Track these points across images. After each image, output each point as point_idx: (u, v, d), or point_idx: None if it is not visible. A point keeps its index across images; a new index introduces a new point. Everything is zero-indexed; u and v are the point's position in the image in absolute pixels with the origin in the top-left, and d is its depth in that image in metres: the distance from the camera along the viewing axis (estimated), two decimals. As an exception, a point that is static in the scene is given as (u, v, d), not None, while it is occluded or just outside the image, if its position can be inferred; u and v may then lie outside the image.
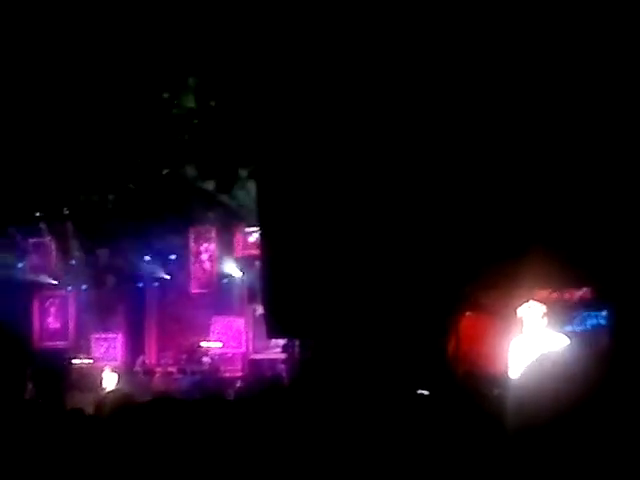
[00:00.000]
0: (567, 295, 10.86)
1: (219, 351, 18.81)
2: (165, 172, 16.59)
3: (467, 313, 10.40)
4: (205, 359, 18.74)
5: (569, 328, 10.66)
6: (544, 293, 10.12)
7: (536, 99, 9.46)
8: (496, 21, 9.46)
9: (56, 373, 17.54)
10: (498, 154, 9.71)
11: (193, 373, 18.22)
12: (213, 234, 18.23)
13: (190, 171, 16.55)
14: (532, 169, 9.64)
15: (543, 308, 9.27)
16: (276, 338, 15.56)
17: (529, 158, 9.66)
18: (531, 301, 9.32)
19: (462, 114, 9.62)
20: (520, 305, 9.28)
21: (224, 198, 17.08)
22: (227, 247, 18.41)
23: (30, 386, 16.28)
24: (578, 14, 9.23)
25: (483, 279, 9.93)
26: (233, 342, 18.80)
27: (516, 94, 9.50)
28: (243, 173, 14.87)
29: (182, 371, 18.45)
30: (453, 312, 10.16)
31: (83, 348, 19.60)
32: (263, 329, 13.72)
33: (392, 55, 9.59)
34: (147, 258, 19.71)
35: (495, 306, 10.06)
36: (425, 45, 9.50)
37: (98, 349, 19.63)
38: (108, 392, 13.12)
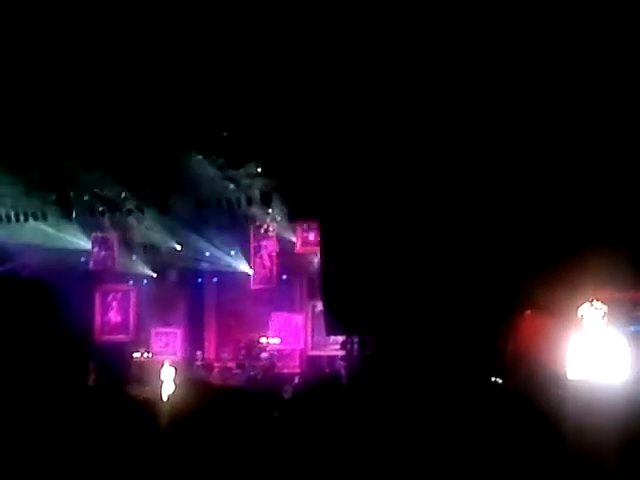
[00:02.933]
0: (629, 295, 10.72)
1: (277, 347, 18.83)
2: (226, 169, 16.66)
3: (528, 312, 10.31)
4: (263, 355, 18.78)
5: (630, 329, 10.52)
6: (606, 293, 10.00)
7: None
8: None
9: (117, 366, 17.73)
10: (560, 154, 9.63)
11: (251, 368, 18.27)
12: (273, 230, 18.25)
13: (251, 168, 16.61)
14: (598, 169, 9.54)
15: (604, 308, 9.17)
16: (335, 335, 15.56)
17: (593, 157, 9.56)
18: (592, 301, 9.22)
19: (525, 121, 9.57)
20: (581, 304, 9.19)
21: (285, 194, 17.10)
22: (287, 243, 18.42)
23: (92, 378, 16.48)
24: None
25: (544, 278, 9.84)
26: (291, 338, 18.81)
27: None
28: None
29: (240, 366, 18.52)
30: (513, 311, 10.08)
31: (143, 342, 19.76)
32: (322, 326, 13.74)
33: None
34: (207, 254, 19.80)
35: (556, 305, 9.96)
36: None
37: (158, 343, 19.79)
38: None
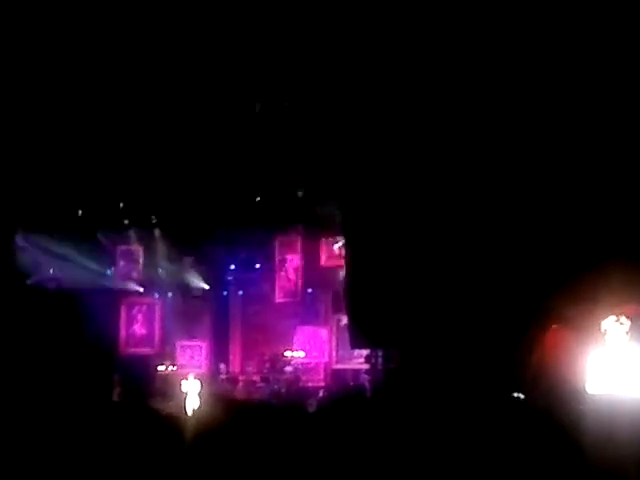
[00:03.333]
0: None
1: (302, 361, 18.81)
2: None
3: (553, 326, 10.27)
4: (288, 368, 18.75)
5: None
6: (630, 308, 9.96)
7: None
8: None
9: (142, 379, 17.76)
10: (583, 166, 9.60)
11: (276, 382, 18.25)
12: (298, 244, 18.26)
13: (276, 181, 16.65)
14: (621, 182, 9.50)
15: (628, 323, 9.12)
16: (359, 348, 15.52)
17: (614, 171, 9.53)
18: (616, 315, 9.18)
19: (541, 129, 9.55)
20: (605, 319, 9.14)
21: (310, 207, 17.13)
22: (312, 257, 18.42)
23: (117, 391, 16.53)
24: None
25: (567, 292, 9.80)
26: (316, 352, 18.79)
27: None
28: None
29: (265, 380, 18.50)
30: (538, 324, 10.03)
31: (168, 355, 19.79)
32: (346, 339, 13.71)
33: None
34: (232, 267, 19.84)
35: (580, 319, 9.92)
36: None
37: (183, 356, 19.81)
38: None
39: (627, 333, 9.02)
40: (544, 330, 10.11)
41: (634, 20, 8.99)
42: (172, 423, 3.16)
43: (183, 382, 17.51)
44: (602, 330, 9.06)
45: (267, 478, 2.95)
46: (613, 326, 9.04)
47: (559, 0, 9.37)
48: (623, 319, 9.10)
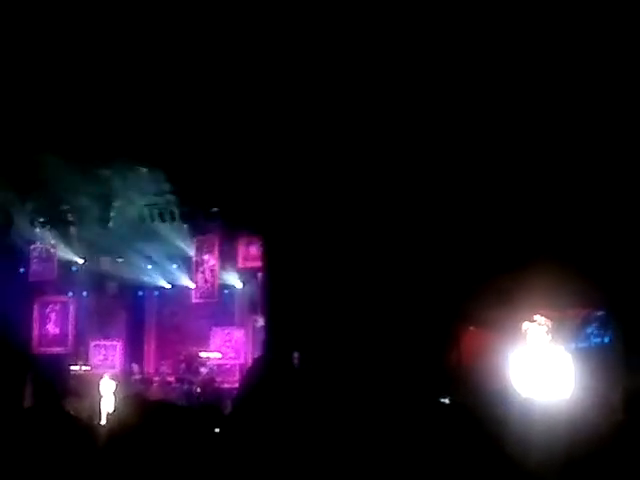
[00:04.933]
0: (572, 312, 10.84)
1: (218, 362, 18.76)
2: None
3: (470, 328, 10.38)
4: (203, 369, 18.69)
5: (572, 345, 10.63)
6: (550, 310, 10.11)
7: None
8: (496, 21, 9.49)
9: (55, 379, 17.52)
10: (504, 166, 9.70)
11: (191, 383, 18.17)
12: (216, 244, 18.21)
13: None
14: (540, 183, 9.64)
15: (549, 324, 9.26)
16: (276, 350, 15.52)
17: (537, 170, 9.66)
18: (536, 316, 9.31)
19: (462, 116, 9.62)
20: (524, 320, 9.27)
21: (226, 209, 17.07)
22: (229, 258, 18.39)
23: (29, 390, 16.28)
24: (578, 14, 9.26)
25: (485, 294, 9.91)
26: (232, 353, 18.75)
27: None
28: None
29: (180, 380, 18.41)
30: (456, 326, 10.14)
31: (82, 355, 19.56)
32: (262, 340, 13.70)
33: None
34: (149, 267, 19.70)
35: (499, 321, 10.05)
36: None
37: (97, 356, 19.60)
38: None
39: (547, 334, 9.15)
40: (463, 332, 10.22)
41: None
42: (85, 425, 3.12)
43: (100, 382, 17.34)
44: (523, 331, 9.18)
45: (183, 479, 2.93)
46: (533, 327, 9.16)
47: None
48: (543, 320, 9.23)
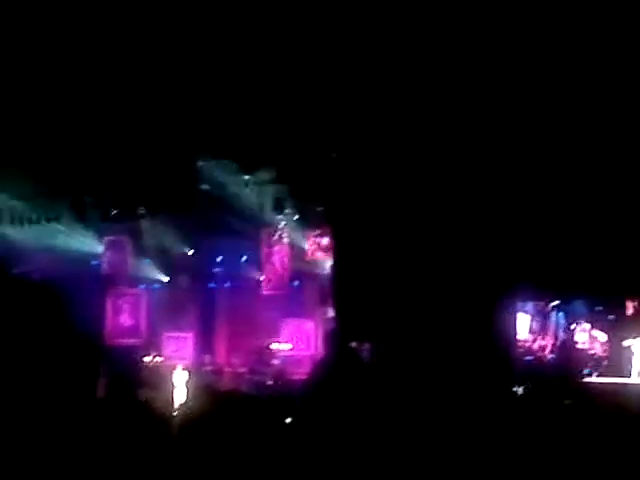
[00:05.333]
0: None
1: (288, 353, 18.83)
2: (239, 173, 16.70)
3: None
4: (274, 361, 18.78)
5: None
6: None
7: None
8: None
9: (128, 370, 17.75)
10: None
11: (262, 374, 18.26)
12: (285, 236, 18.27)
13: (264, 174, 16.65)
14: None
15: None
16: (345, 342, 15.51)
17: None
18: None
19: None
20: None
21: (296, 200, 17.15)
22: (299, 249, 18.45)
23: (103, 381, 16.54)
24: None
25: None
26: (302, 344, 18.81)
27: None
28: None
29: (251, 371, 18.51)
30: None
31: (154, 346, 19.78)
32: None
33: None
34: (219, 259, 19.83)
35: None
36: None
37: (169, 347, 19.80)
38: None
39: None
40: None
41: (634, 20, 9.00)
42: (161, 415, 3.15)
43: (172, 373, 17.51)
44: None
45: (255, 469, 2.96)
46: None
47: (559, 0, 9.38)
48: None
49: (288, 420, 3.94)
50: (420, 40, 9.59)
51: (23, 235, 18.44)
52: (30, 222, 18.26)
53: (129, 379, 16.98)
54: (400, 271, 9.98)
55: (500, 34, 9.39)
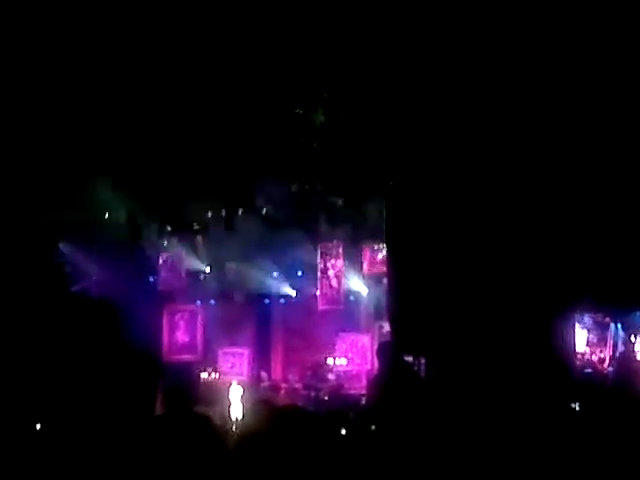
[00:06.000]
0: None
1: (344, 368, 18.80)
2: (294, 188, 16.73)
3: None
4: (330, 376, 18.75)
5: None
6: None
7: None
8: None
9: (185, 386, 17.81)
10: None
11: (318, 390, 18.25)
12: (340, 250, 18.27)
13: (318, 186, 16.66)
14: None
15: None
16: (402, 356, 15.45)
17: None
18: None
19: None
20: None
21: (352, 214, 17.15)
22: (354, 264, 18.43)
23: (161, 397, 16.63)
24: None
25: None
26: (358, 359, 18.78)
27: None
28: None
29: (307, 387, 18.50)
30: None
31: (210, 362, 19.85)
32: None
33: None
34: (275, 274, 19.87)
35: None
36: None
37: (225, 363, 19.86)
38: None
39: None
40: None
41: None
42: (219, 430, 3.15)
43: (229, 389, 17.55)
44: None
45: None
46: None
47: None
48: None
49: (343, 432, 3.93)
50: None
51: (81, 253, 18.62)
52: (88, 239, 18.42)
53: (187, 395, 17.07)
54: (456, 285, 9.92)
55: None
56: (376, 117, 11.84)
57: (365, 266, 18.31)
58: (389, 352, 11.76)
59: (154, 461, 3.05)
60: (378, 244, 17.35)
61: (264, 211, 17.56)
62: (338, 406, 16.59)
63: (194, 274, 19.74)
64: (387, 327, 14.80)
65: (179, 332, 20.11)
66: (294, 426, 3.02)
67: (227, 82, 12.90)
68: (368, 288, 18.85)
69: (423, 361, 14.33)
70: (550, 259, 9.61)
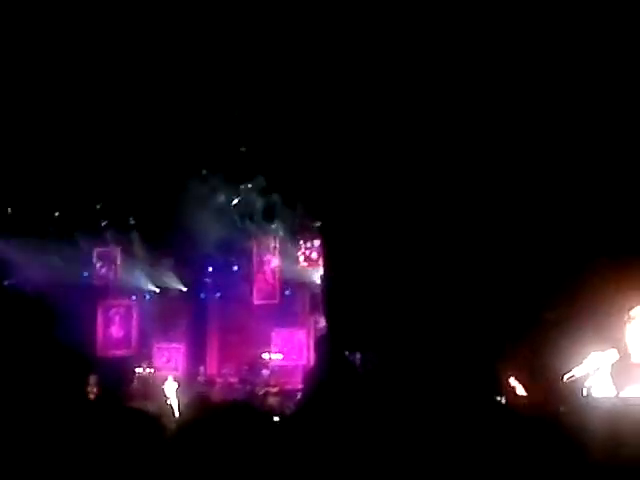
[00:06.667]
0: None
1: (280, 363, 18.81)
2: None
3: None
4: (265, 371, 18.75)
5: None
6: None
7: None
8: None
9: (120, 381, 17.70)
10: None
11: (253, 384, 18.24)
12: (276, 245, 18.27)
13: (256, 183, 16.66)
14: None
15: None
16: (337, 351, 15.49)
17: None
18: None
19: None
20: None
21: (287, 209, 17.16)
22: (290, 258, 18.44)
23: (95, 391, 16.45)
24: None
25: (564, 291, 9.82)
26: (294, 354, 18.80)
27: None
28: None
29: (243, 382, 18.49)
30: (527, 324, 10.05)
31: (146, 357, 19.74)
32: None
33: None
34: (210, 269, 19.82)
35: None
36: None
37: (160, 358, 19.78)
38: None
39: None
40: (536, 330, 10.11)
41: (634, 20, 9.03)
42: (151, 421, 3.16)
43: (164, 384, 17.49)
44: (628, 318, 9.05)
45: (248, 476, 2.96)
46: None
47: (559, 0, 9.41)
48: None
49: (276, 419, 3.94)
50: (420, 42, 9.61)
51: (14, 247, 18.38)
52: (21, 234, 18.19)
53: (121, 390, 16.96)
54: (391, 280, 9.99)
55: (500, 34, 9.42)
56: (309, 120, 11.85)
57: (301, 261, 18.33)
58: (326, 345, 11.82)
59: (83, 456, 3.04)
60: (313, 237, 17.39)
61: (199, 206, 17.46)
62: (274, 401, 16.63)
63: (129, 269, 19.60)
64: (322, 322, 14.86)
65: (114, 327, 19.96)
66: (228, 418, 3.03)
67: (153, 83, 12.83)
68: (303, 282, 18.87)
69: (358, 356, 14.41)
70: (476, 254, 9.72)
